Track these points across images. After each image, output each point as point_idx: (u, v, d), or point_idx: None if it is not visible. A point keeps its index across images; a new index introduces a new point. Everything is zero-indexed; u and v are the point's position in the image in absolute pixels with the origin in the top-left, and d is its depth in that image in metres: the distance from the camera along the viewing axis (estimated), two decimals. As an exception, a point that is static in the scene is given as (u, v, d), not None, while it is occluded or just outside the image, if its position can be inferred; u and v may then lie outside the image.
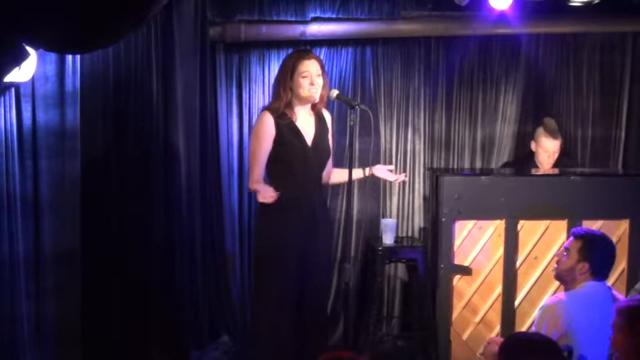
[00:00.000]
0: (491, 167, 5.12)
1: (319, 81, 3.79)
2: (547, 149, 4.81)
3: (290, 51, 4.32)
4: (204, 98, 4.70)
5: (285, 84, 3.79)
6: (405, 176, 4.22)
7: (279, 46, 4.75)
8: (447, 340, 4.30)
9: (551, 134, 4.81)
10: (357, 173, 4.03)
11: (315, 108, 3.91)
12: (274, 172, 3.85)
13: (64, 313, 3.81)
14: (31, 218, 3.65)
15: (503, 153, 5.16)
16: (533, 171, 4.80)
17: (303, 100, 3.83)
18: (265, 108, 3.89)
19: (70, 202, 3.81)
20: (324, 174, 4.01)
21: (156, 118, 4.45)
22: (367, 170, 4.06)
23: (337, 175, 4.09)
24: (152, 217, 4.46)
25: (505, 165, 5.10)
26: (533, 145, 4.91)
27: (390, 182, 5.07)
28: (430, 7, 4.83)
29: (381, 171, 4.09)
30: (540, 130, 4.86)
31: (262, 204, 3.88)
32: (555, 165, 4.84)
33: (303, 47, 4.41)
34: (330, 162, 4.02)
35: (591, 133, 5.19)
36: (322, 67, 3.84)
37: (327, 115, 4.00)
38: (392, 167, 4.18)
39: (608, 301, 3.19)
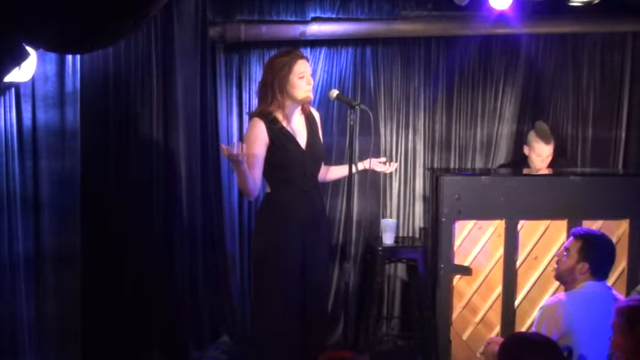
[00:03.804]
0: (491, 167, 5.12)
1: (312, 80, 3.78)
2: (540, 153, 4.79)
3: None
4: (204, 98, 4.70)
5: (282, 86, 3.70)
6: (395, 163, 4.20)
7: (279, 46, 4.73)
8: (447, 340, 4.30)
9: (544, 139, 4.77)
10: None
11: (304, 108, 3.87)
12: (272, 177, 3.81)
13: (64, 313, 3.80)
14: (31, 218, 3.65)
15: (503, 153, 5.15)
16: (534, 171, 4.79)
17: (297, 102, 3.77)
18: (255, 114, 3.77)
19: (70, 202, 3.81)
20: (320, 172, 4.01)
21: (156, 118, 4.45)
22: (366, 163, 4.03)
23: (335, 172, 4.09)
24: (152, 217, 4.46)
25: (500, 167, 5.09)
26: (526, 150, 4.88)
27: (391, 182, 5.09)
28: (430, 7, 4.83)
29: (375, 164, 4.04)
30: (532, 135, 4.84)
31: (263, 204, 3.89)
32: (551, 166, 4.83)
33: (288, 48, 4.31)
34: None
35: (591, 133, 5.18)
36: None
37: (315, 114, 3.96)
38: (383, 159, 4.11)
39: (608, 301, 3.19)
